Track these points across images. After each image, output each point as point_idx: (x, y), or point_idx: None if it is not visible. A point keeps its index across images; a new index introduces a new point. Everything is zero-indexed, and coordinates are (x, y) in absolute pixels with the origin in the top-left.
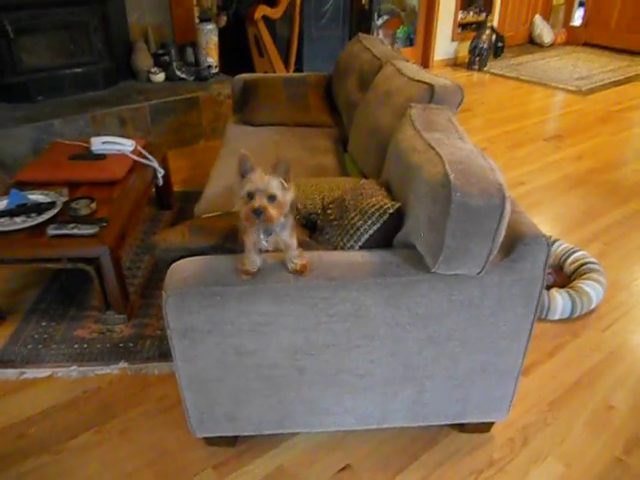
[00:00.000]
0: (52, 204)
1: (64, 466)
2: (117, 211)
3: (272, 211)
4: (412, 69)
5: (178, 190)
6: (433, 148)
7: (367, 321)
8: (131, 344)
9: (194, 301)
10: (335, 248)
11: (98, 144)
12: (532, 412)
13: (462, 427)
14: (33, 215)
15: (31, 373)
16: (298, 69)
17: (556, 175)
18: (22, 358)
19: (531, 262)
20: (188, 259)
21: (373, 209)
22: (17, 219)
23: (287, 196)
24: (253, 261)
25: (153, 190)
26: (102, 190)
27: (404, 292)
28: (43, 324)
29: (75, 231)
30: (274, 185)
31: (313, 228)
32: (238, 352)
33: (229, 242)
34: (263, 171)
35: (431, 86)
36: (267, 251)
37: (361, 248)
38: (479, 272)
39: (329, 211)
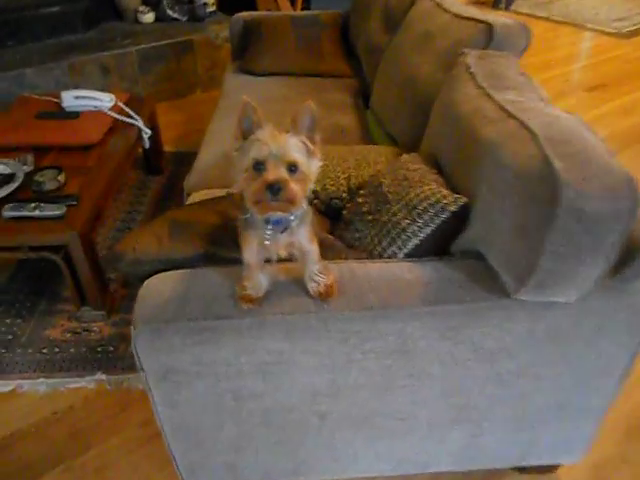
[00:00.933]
0: (11, 176)
1: None
2: (91, 184)
3: (294, 187)
4: (455, 3)
5: (170, 151)
6: (513, 116)
7: (414, 357)
8: (111, 348)
9: (175, 338)
10: (370, 254)
11: (70, 99)
12: (606, 446)
13: (522, 469)
14: None
15: None
16: (306, 7)
17: (603, 132)
18: None
19: None
20: (166, 275)
21: (425, 203)
22: None
23: (313, 165)
24: (257, 282)
25: (140, 151)
26: (74, 157)
27: (468, 322)
28: (7, 321)
29: (37, 213)
30: (295, 147)
31: (335, 217)
32: (238, 396)
33: (224, 247)
34: (276, 128)
35: (489, 25)
36: (279, 260)
37: (407, 256)
38: (578, 298)
39: (360, 199)
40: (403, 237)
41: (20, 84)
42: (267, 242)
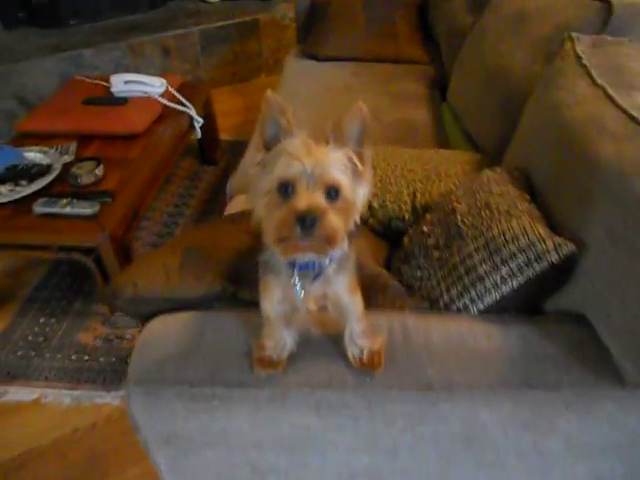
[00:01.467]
0: (48, 167)
1: None
2: (130, 179)
3: (334, 220)
4: None
5: (228, 139)
6: None
7: (484, 446)
8: None
9: (176, 403)
10: (434, 302)
11: (119, 84)
12: None
13: None
14: (23, 182)
15: (14, 394)
16: None
17: None
18: (8, 370)
19: None
20: (172, 318)
21: (515, 247)
22: (3, 188)
23: (360, 190)
24: (279, 341)
25: (194, 139)
26: (117, 146)
27: (564, 413)
28: (41, 320)
29: (68, 210)
30: (338, 164)
31: (394, 240)
32: (257, 471)
33: (247, 285)
34: (311, 136)
35: (605, 3)
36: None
37: (483, 312)
38: None
39: (425, 227)
40: (480, 288)
41: (78, 65)
42: (295, 291)
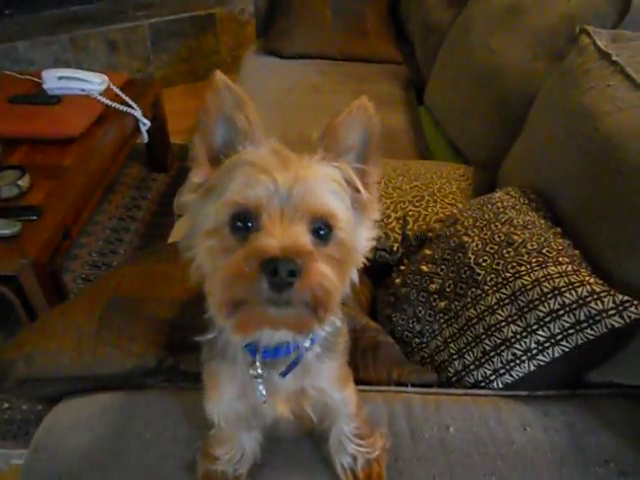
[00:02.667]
0: None
1: None
2: (61, 192)
3: (325, 270)
4: None
5: (181, 143)
6: None
7: None
8: None
9: None
10: (440, 369)
11: (52, 80)
12: None
13: None
14: None
15: None
16: None
17: None
18: None
19: None
20: (83, 404)
21: (555, 303)
22: None
23: (363, 229)
24: (235, 449)
25: (141, 142)
26: (49, 153)
27: None
28: None
29: None
30: (328, 186)
31: (379, 276)
32: None
33: (191, 354)
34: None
35: None
36: None
37: (508, 388)
38: None
39: (425, 267)
40: (506, 355)
41: (12, 59)
42: (256, 392)
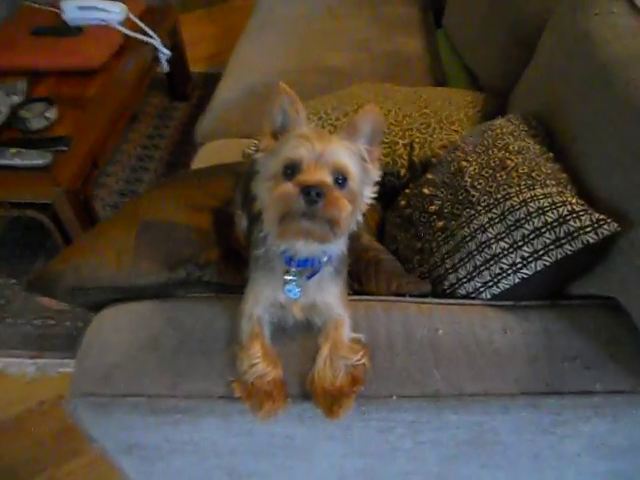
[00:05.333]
0: None
1: None
2: (89, 122)
3: (341, 198)
4: None
5: (200, 71)
6: None
7: (493, 449)
8: None
9: (133, 417)
10: (437, 283)
11: (72, 10)
12: None
13: None
14: None
15: None
16: None
17: None
18: None
19: None
20: (123, 310)
21: (539, 221)
22: None
23: (366, 185)
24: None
25: (161, 71)
26: (73, 84)
27: (591, 418)
28: (0, 281)
29: (17, 161)
30: (346, 152)
31: (388, 199)
32: (233, 473)
33: (217, 265)
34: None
35: None
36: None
37: (497, 297)
38: None
39: (426, 189)
40: (495, 268)
41: None
42: (285, 290)
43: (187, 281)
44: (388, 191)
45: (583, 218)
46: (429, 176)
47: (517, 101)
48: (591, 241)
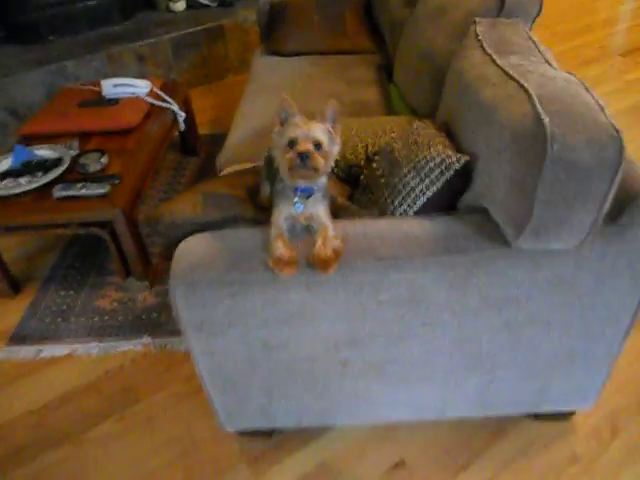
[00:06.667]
0: (59, 160)
1: (86, 460)
2: (131, 165)
3: (318, 157)
4: None
5: (205, 133)
6: (513, 78)
7: (426, 306)
8: (155, 314)
9: (208, 291)
10: (383, 213)
11: (109, 87)
12: (623, 394)
13: (536, 416)
14: (38, 174)
15: (49, 351)
16: None
17: (636, 98)
18: (40, 334)
19: None
20: (199, 236)
21: (432, 164)
22: (22, 179)
23: (334, 148)
24: (286, 240)
25: (177, 134)
26: (115, 140)
27: (474, 271)
28: (61, 293)
29: (84, 192)
30: (320, 131)
31: (355, 184)
32: (267, 345)
33: (247, 211)
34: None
35: None
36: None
37: (417, 213)
38: (576, 246)
39: (375, 164)
40: (412, 196)
41: (63, 75)
42: (295, 207)
43: (235, 219)
44: (354, 177)
45: (453, 157)
46: (376, 157)
47: (437, 117)
48: (457, 168)
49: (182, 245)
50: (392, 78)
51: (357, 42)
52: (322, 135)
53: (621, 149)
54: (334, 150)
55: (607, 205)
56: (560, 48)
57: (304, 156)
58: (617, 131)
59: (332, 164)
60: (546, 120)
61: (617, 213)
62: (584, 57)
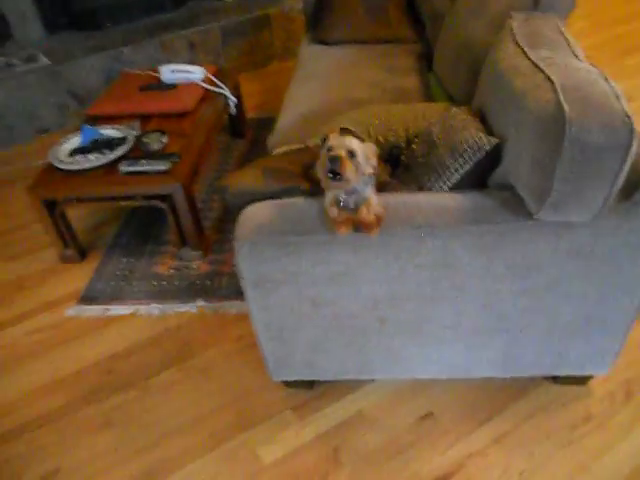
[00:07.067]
0: (124, 139)
1: (149, 402)
2: (189, 145)
3: (347, 164)
4: None
5: (252, 117)
6: (541, 70)
7: (456, 271)
8: (208, 281)
9: (267, 250)
10: (421, 189)
11: (167, 73)
12: (638, 364)
13: (555, 379)
14: (106, 151)
15: (115, 310)
16: None
17: None
18: (106, 295)
19: None
20: (260, 204)
21: (465, 145)
22: (90, 156)
23: (369, 163)
24: (335, 211)
25: (226, 117)
26: (173, 122)
27: (500, 241)
28: (123, 260)
29: (147, 168)
30: (355, 144)
31: (396, 163)
32: (314, 302)
33: (302, 184)
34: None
35: None
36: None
37: (451, 189)
38: (591, 219)
39: (414, 146)
40: (447, 173)
41: (119, 61)
42: (343, 200)
43: (292, 191)
44: (395, 157)
45: (484, 139)
46: (416, 140)
47: (474, 105)
48: (487, 149)
49: (246, 210)
50: (432, 67)
51: (399, 32)
52: (357, 146)
53: (632, 133)
54: (369, 165)
55: (619, 183)
56: (601, 37)
57: (333, 159)
58: (628, 117)
59: (368, 174)
60: (566, 106)
61: (630, 192)
62: (625, 46)
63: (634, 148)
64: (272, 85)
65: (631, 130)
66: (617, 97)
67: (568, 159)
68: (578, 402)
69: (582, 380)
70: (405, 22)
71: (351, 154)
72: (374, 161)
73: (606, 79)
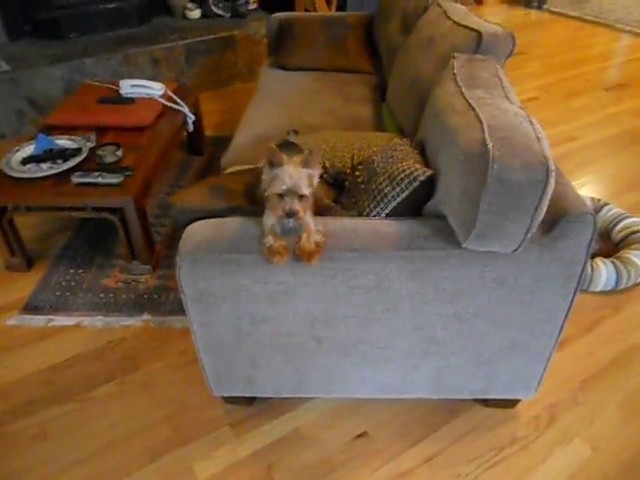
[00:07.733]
0: (78, 150)
1: (87, 415)
2: (143, 159)
3: (301, 211)
4: (460, 12)
5: (210, 135)
6: (473, 109)
7: (389, 294)
8: (155, 295)
9: (208, 268)
10: (361, 214)
11: (127, 87)
12: (562, 389)
13: (486, 402)
14: (59, 161)
15: (59, 321)
16: (342, 7)
17: (613, 130)
18: (50, 305)
19: (574, 240)
20: (203, 222)
21: (402, 175)
22: (43, 165)
23: (314, 180)
24: (272, 238)
25: (184, 134)
26: (129, 136)
27: (431, 267)
28: (71, 271)
29: (100, 180)
30: (304, 184)
31: (341, 188)
32: (254, 319)
33: (246, 204)
34: (292, 164)
35: (478, 33)
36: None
37: (388, 216)
38: (514, 250)
39: (357, 172)
40: (385, 201)
41: (81, 72)
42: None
43: (235, 210)
44: (340, 183)
45: (419, 170)
46: (359, 167)
47: (418, 137)
48: (422, 179)
49: (189, 228)
50: (385, 98)
51: (357, 62)
52: (305, 188)
53: (548, 172)
54: (315, 181)
55: (539, 217)
56: (549, 79)
57: (291, 214)
58: (546, 158)
59: (311, 199)
60: (490, 145)
61: (551, 226)
62: (571, 89)
63: (550, 185)
64: (233, 104)
65: (548, 170)
66: (538, 139)
67: (491, 193)
68: (505, 425)
69: (510, 403)
70: (363, 53)
71: (301, 197)
72: (316, 180)
73: (531, 122)
